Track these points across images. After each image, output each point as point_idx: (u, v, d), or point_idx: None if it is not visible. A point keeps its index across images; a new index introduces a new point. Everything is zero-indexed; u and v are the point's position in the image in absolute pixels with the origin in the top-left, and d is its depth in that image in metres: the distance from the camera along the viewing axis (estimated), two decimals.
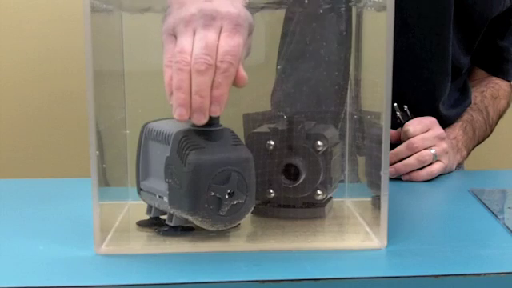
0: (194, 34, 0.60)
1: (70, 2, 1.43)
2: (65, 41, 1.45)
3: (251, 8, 0.63)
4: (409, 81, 1.05)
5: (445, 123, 1.02)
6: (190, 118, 0.59)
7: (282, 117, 0.72)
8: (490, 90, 1.20)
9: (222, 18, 0.59)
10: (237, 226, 0.67)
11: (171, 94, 0.59)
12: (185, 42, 0.59)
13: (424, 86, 1.09)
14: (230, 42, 0.59)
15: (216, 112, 0.59)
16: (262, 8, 0.72)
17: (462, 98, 1.17)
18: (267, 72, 0.81)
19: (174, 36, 0.61)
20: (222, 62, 0.58)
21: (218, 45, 0.59)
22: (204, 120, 0.59)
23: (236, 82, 0.60)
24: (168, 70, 0.60)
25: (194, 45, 0.59)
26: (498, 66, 1.23)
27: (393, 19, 0.61)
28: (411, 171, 0.96)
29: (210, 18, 0.59)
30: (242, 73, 0.60)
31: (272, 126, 0.72)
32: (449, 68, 1.09)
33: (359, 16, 0.75)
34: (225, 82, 0.58)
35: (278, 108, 0.75)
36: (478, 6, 1.10)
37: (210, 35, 0.59)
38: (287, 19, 0.87)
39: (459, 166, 1.11)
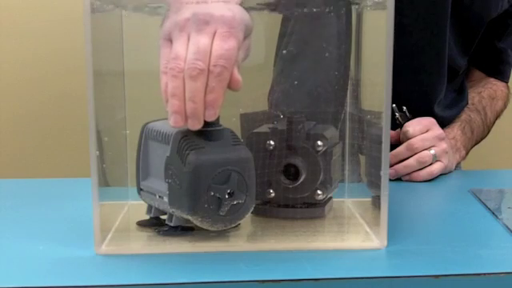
0: (189, 38, 0.60)
1: (69, 2, 1.44)
2: (65, 41, 1.45)
3: (250, 8, 0.63)
4: (405, 82, 1.05)
5: (441, 124, 1.02)
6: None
7: (279, 116, 0.72)
8: (487, 91, 1.21)
9: (216, 21, 0.59)
10: (237, 226, 0.67)
11: (167, 101, 0.59)
12: (179, 47, 0.59)
13: (420, 88, 1.09)
14: (223, 46, 0.58)
15: (211, 117, 0.59)
16: (261, 9, 0.72)
17: (459, 99, 1.17)
18: (267, 72, 0.81)
19: (170, 41, 0.61)
20: (215, 66, 0.58)
21: (211, 49, 0.59)
22: (198, 126, 0.59)
23: (230, 86, 0.59)
24: (164, 77, 0.60)
25: (187, 50, 0.59)
26: (495, 67, 1.23)
27: (393, 19, 0.61)
28: (411, 172, 0.96)
29: (203, 23, 0.59)
30: (237, 76, 0.59)
31: (272, 126, 0.72)
32: (445, 69, 1.10)
33: (359, 16, 0.75)
34: (218, 86, 0.58)
35: (276, 108, 0.75)
36: (475, 7, 1.10)
37: (203, 40, 0.58)
38: (285, 19, 0.87)
39: (457, 166, 1.11)
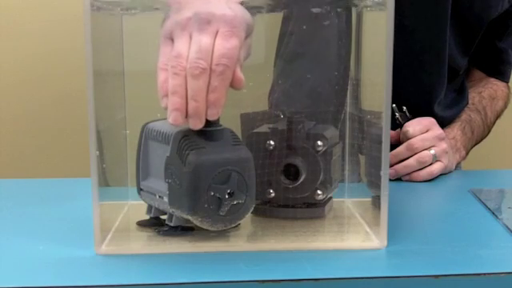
0: (191, 37, 0.60)
1: (69, 2, 1.44)
2: (65, 41, 1.45)
3: (251, 8, 0.63)
4: (405, 82, 1.05)
5: (441, 124, 1.02)
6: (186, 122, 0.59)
7: (279, 116, 0.72)
8: (487, 91, 1.21)
9: (218, 21, 0.59)
10: (237, 226, 0.67)
11: (163, 96, 0.59)
12: (181, 46, 0.59)
13: (420, 88, 1.09)
14: (225, 45, 0.58)
15: (213, 116, 0.59)
16: (260, 11, 0.72)
17: (459, 99, 1.17)
18: (267, 72, 0.81)
19: (171, 40, 0.61)
20: (217, 65, 0.58)
21: (213, 48, 0.59)
22: (200, 125, 0.59)
23: (233, 84, 0.59)
24: (161, 73, 0.60)
25: (189, 49, 0.59)
26: (495, 67, 1.23)
27: (393, 19, 0.61)
28: (411, 172, 0.96)
29: (205, 22, 0.59)
30: (239, 75, 0.59)
31: (272, 125, 0.72)
32: (445, 69, 1.10)
33: (359, 16, 0.75)
34: (221, 85, 0.58)
35: (276, 108, 0.75)
36: (475, 8, 1.10)
37: (205, 39, 0.59)
38: (285, 19, 0.87)
39: (457, 166, 1.11)
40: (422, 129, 0.98)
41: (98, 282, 0.55)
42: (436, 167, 0.96)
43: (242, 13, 0.61)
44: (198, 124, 0.59)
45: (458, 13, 1.08)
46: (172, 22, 0.61)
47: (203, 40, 0.58)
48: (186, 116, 0.59)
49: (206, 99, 0.58)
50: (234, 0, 0.62)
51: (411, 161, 0.95)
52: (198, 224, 0.62)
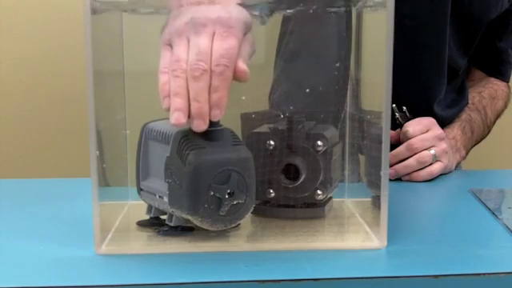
0: (189, 42, 0.60)
1: (69, 2, 1.44)
2: (65, 41, 1.45)
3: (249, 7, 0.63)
4: (404, 82, 1.05)
5: (441, 124, 1.02)
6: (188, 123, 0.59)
7: (279, 116, 0.73)
8: (488, 91, 1.21)
9: (214, 23, 0.60)
10: (237, 226, 0.67)
11: (165, 97, 0.60)
12: (180, 51, 0.60)
13: (420, 88, 1.09)
14: (223, 45, 0.59)
15: (216, 116, 0.59)
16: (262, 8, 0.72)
17: (459, 99, 1.17)
18: (268, 72, 0.81)
19: (171, 46, 0.61)
20: (217, 65, 0.58)
21: (211, 50, 0.59)
22: (204, 126, 0.59)
23: (237, 77, 0.60)
24: (162, 76, 0.60)
25: (188, 53, 0.59)
26: (495, 67, 1.23)
27: (393, 19, 0.61)
28: (411, 172, 0.96)
29: (201, 25, 0.60)
30: (242, 66, 0.60)
31: (272, 125, 0.72)
32: (445, 69, 1.10)
33: (359, 16, 0.75)
34: (222, 84, 0.59)
35: (276, 108, 0.75)
36: (475, 9, 1.10)
37: (203, 41, 0.59)
38: (285, 19, 0.87)
39: (457, 166, 1.11)
40: (421, 129, 0.98)
41: (98, 282, 0.55)
42: (436, 167, 0.96)
43: (237, 12, 0.61)
44: (201, 125, 0.59)
45: (457, 13, 1.08)
46: (170, 29, 0.62)
47: (201, 42, 0.59)
48: (188, 117, 0.59)
49: (208, 100, 0.59)
50: (230, 1, 0.62)
51: (411, 161, 0.96)
52: (198, 224, 0.62)
